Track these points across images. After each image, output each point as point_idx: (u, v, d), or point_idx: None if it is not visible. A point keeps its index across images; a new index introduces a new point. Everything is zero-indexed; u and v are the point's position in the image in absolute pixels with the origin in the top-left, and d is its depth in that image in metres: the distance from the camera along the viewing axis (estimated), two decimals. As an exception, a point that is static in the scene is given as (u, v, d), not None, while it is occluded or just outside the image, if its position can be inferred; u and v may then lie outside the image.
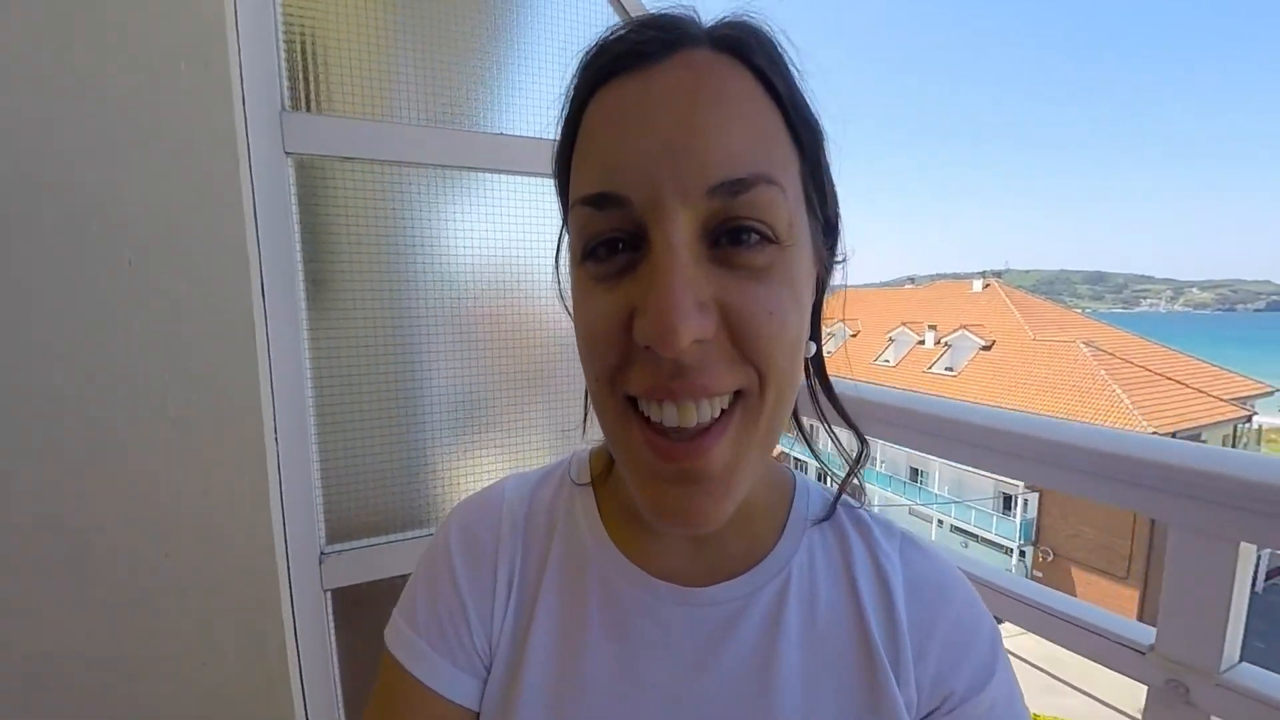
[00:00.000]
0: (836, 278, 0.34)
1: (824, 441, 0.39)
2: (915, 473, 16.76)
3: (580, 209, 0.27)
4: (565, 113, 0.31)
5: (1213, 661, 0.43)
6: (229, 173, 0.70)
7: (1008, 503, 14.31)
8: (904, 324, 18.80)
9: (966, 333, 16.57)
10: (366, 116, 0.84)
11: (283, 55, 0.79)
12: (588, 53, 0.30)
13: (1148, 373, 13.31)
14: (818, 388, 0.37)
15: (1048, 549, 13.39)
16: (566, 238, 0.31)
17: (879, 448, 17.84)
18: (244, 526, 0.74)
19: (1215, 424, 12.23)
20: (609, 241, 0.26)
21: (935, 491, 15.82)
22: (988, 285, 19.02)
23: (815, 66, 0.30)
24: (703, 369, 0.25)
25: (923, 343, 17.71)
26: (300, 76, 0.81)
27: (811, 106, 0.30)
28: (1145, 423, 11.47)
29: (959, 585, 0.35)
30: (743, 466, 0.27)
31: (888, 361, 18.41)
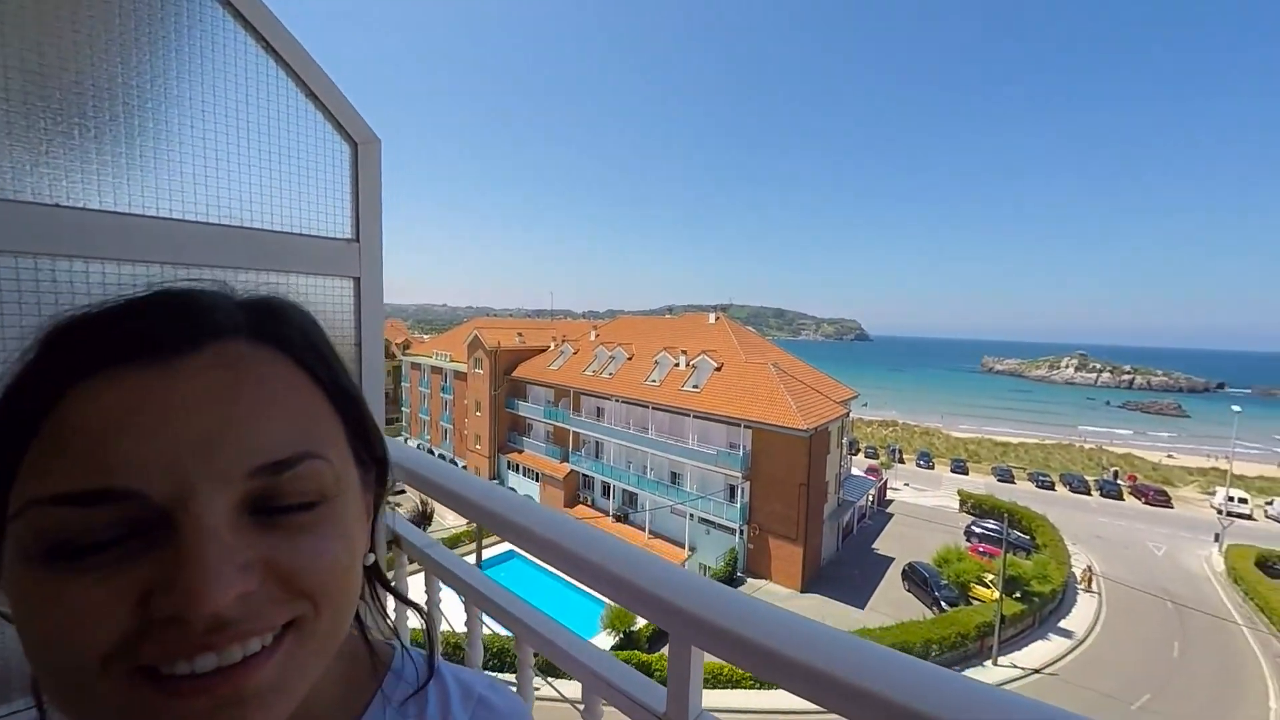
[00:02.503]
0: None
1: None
2: (674, 476, 20.85)
3: (53, 510, 0.23)
4: (13, 383, 0.25)
5: (686, 716, 0.65)
6: None
7: (733, 492, 18.78)
8: (665, 349, 22.57)
9: (706, 357, 21.13)
10: None
11: None
12: (60, 328, 0.26)
13: (804, 385, 19.68)
14: (373, 593, 0.38)
15: (757, 525, 18.07)
16: None
17: (648, 457, 21.05)
18: None
19: (834, 419, 18.88)
20: (100, 536, 0.23)
21: (688, 489, 19.79)
22: (718, 318, 24.56)
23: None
24: (248, 616, 0.24)
25: (678, 365, 21.60)
26: None
27: (346, 376, 0.31)
28: (803, 422, 16.91)
29: None
30: (295, 679, 0.25)
31: (655, 381, 21.70)
